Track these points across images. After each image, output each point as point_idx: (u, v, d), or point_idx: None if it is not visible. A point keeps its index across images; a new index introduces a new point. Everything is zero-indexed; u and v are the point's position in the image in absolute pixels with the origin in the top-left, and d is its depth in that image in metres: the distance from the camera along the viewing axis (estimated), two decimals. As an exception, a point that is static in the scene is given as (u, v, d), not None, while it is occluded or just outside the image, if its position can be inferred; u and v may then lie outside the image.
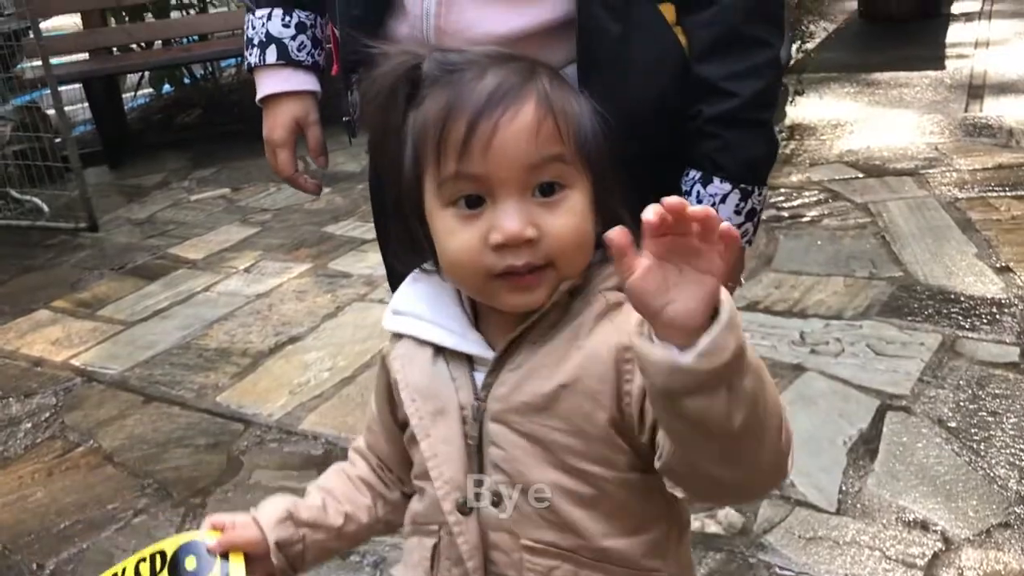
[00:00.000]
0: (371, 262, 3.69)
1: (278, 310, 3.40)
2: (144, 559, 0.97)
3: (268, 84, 1.42)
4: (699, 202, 1.20)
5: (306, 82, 1.42)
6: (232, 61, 6.66)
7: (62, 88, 4.84)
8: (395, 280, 1.52)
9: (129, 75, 6.11)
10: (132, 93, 6.30)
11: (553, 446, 0.88)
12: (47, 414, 2.88)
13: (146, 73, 6.20)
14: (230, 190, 4.85)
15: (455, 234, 0.86)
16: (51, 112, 5.12)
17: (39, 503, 2.45)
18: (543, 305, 0.88)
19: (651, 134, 1.20)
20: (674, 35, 1.20)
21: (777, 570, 1.94)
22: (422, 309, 0.97)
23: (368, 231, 4.01)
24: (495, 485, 0.91)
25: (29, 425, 2.83)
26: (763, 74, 1.20)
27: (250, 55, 1.42)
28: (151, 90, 6.49)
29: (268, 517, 1.00)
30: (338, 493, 1.05)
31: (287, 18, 1.42)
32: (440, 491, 0.92)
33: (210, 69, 6.44)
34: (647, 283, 0.68)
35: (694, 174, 1.21)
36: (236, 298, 3.53)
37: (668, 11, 1.21)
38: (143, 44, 5.83)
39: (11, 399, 2.99)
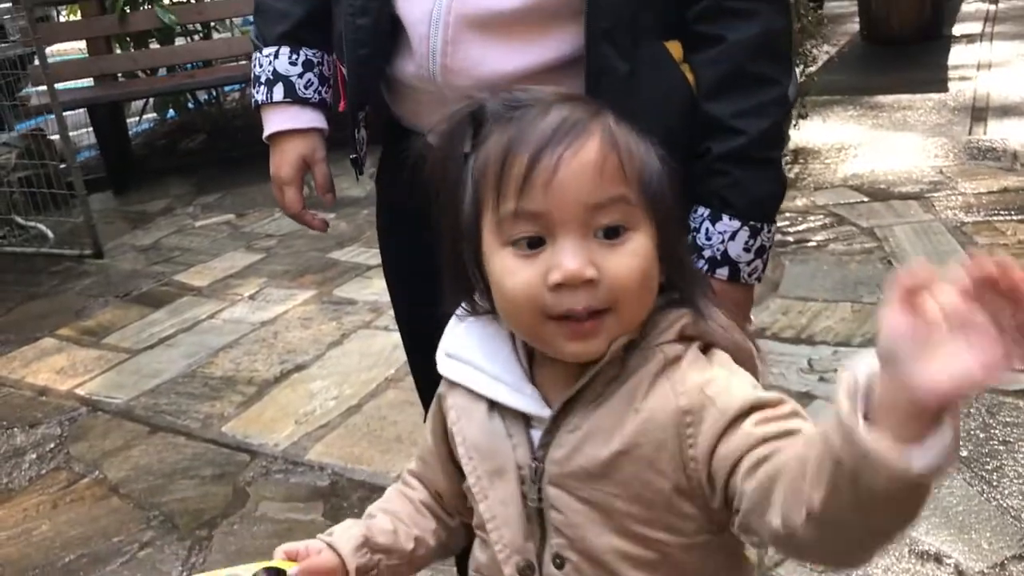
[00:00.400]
0: (376, 288, 3.68)
1: (283, 338, 3.39)
2: None
3: (275, 121, 1.42)
4: (708, 239, 1.20)
5: (313, 119, 1.42)
6: (236, 87, 6.69)
7: (66, 113, 4.86)
8: (398, 308, 1.52)
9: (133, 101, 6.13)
10: (137, 118, 6.32)
11: (613, 512, 0.86)
12: (52, 444, 2.87)
13: (150, 99, 6.22)
14: (235, 216, 4.85)
15: (513, 274, 0.83)
16: (55, 138, 5.15)
17: (44, 536, 2.43)
18: (602, 355, 0.84)
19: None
20: (681, 73, 1.20)
21: (790, 605, 1.92)
22: (476, 356, 0.94)
23: (373, 257, 4.00)
24: (557, 548, 0.89)
25: (34, 456, 2.82)
26: (771, 112, 1.20)
27: (257, 92, 1.42)
28: (155, 115, 6.50)
29: (345, 544, 0.98)
30: (404, 516, 1.04)
31: (294, 56, 1.42)
32: (501, 555, 0.91)
33: (214, 94, 6.46)
34: (917, 331, 0.58)
35: (703, 211, 1.20)
36: (241, 325, 3.53)
37: (675, 48, 1.21)
38: (147, 71, 5.86)
39: (16, 429, 2.98)
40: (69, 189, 4.60)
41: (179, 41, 6.04)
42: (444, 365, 0.97)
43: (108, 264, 4.40)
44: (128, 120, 6.14)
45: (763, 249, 1.22)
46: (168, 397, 3.07)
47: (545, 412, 0.88)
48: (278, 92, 1.40)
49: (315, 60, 1.43)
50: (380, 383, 2.95)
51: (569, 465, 0.86)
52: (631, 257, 0.83)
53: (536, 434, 0.89)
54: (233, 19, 6.53)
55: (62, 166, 4.98)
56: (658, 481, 0.84)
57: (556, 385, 0.89)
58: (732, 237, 1.19)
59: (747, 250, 1.20)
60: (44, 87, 4.73)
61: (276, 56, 1.42)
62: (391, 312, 1.58)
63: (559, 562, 0.89)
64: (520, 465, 0.89)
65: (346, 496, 2.45)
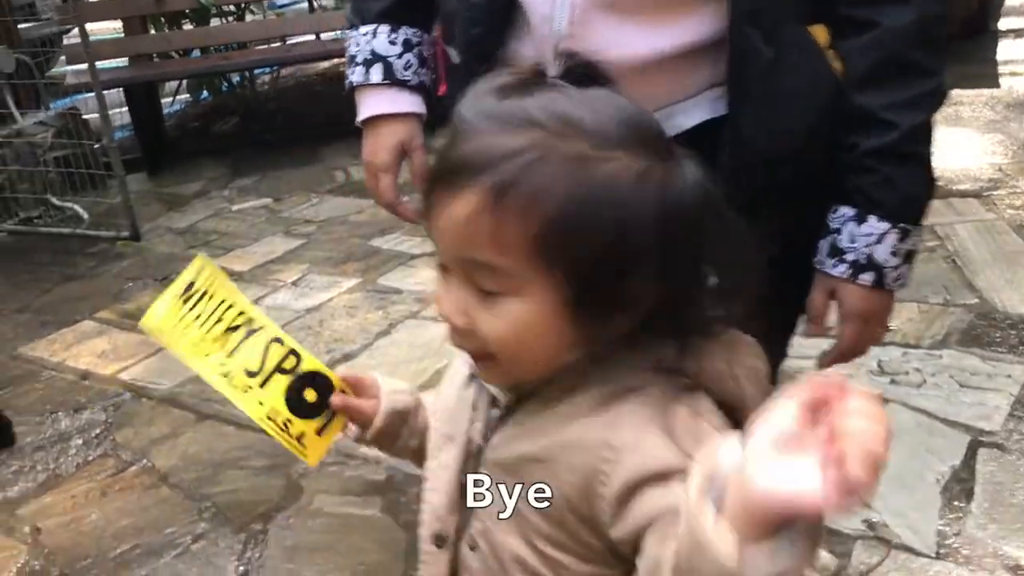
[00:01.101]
0: (421, 278, 3.61)
1: (329, 326, 3.32)
2: (280, 340, 0.97)
3: (372, 105, 1.34)
4: (852, 243, 1.12)
5: (412, 103, 1.35)
6: (268, 70, 6.62)
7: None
8: None
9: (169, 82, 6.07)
10: (170, 99, 6.25)
11: (522, 518, 0.83)
12: (98, 430, 2.81)
13: (183, 80, 6.16)
14: (272, 200, 4.78)
15: (438, 287, 0.83)
16: (89, 118, 5.09)
17: (94, 525, 2.37)
18: (514, 383, 0.86)
19: (799, 166, 1.12)
20: (826, 60, 1.11)
21: (877, 618, 1.84)
22: None
23: (415, 246, 3.93)
24: (474, 530, 0.89)
25: (80, 442, 2.76)
26: (925, 105, 1.12)
27: (352, 73, 1.34)
28: (187, 97, 6.44)
29: (388, 402, 1.02)
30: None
31: (393, 35, 1.34)
32: (424, 516, 0.93)
33: (247, 76, 6.40)
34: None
35: (845, 211, 1.12)
36: (285, 312, 3.46)
37: (820, 33, 1.12)
38: (180, 52, 5.79)
39: (60, 413, 2.92)
40: (106, 169, 4.54)
41: (214, 22, 5.97)
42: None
43: (145, 246, 4.34)
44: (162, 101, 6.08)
45: (911, 254, 1.14)
46: (214, 384, 3.00)
47: (503, 398, 0.89)
48: (376, 73, 1.32)
49: (415, 40, 1.35)
50: (432, 375, 2.87)
51: (497, 453, 0.87)
52: (502, 320, 0.78)
53: (495, 415, 0.90)
54: (265, 1, 6.47)
55: (96, 145, 4.93)
56: (563, 501, 0.80)
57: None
58: (879, 240, 1.11)
59: (894, 254, 1.12)
60: (82, 65, 4.67)
61: (374, 35, 1.34)
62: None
63: (472, 544, 0.89)
64: (471, 439, 0.90)
65: (403, 490, 2.38)
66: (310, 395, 0.97)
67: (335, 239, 4.16)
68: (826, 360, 1.20)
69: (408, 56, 1.34)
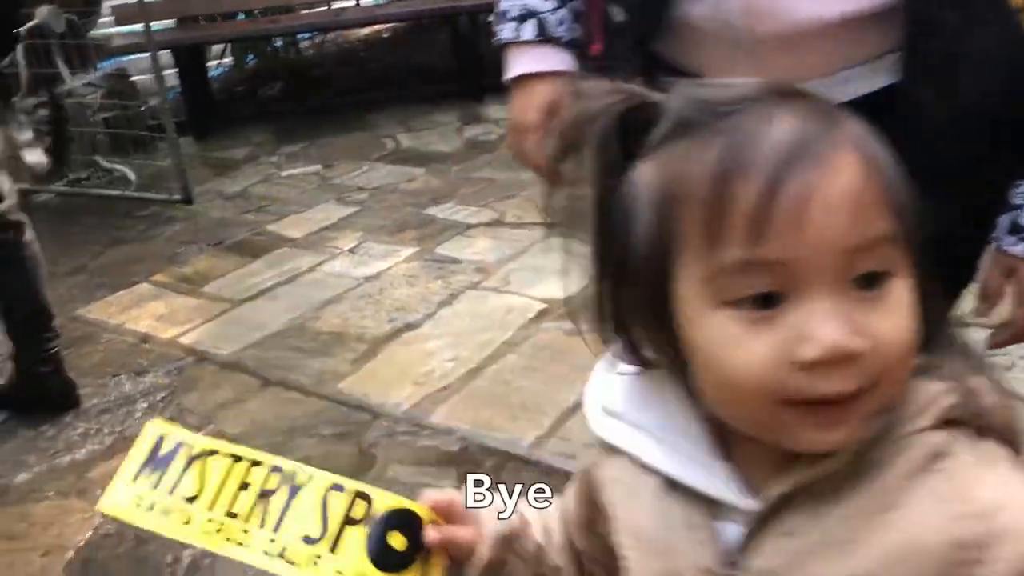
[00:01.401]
0: (479, 248, 3.56)
1: (389, 294, 3.28)
2: (339, 487, 0.76)
3: (523, 62, 1.28)
4: None
5: (565, 61, 1.28)
6: (310, 34, 6.56)
7: (139, 56, 4.75)
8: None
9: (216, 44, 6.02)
10: (216, 62, 6.20)
11: None
12: (162, 394, 2.79)
13: (228, 44, 6.10)
14: (322, 167, 4.73)
15: (739, 346, 0.59)
16: (137, 79, 5.05)
17: (166, 490, 2.34)
18: (850, 445, 0.61)
19: (984, 140, 1.05)
20: (1019, 22, 1.04)
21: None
22: (647, 419, 0.71)
23: (471, 215, 3.88)
24: None
25: (145, 405, 2.74)
26: None
27: (502, 29, 1.28)
28: (231, 60, 6.39)
29: (492, 531, 0.80)
30: (556, 538, 0.85)
31: None
32: None
33: (292, 40, 6.34)
34: None
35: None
36: (344, 280, 3.42)
37: None
38: (224, 15, 5.74)
39: (123, 376, 2.90)
40: (157, 131, 4.51)
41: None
42: (603, 425, 0.74)
43: (196, 210, 4.30)
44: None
45: None
46: (276, 351, 2.97)
47: (748, 503, 0.66)
48: (529, 30, 1.26)
49: None
50: (498, 347, 2.82)
51: None
52: (898, 315, 0.60)
53: (729, 529, 0.67)
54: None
55: (143, 108, 4.90)
56: None
57: (756, 466, 0.67)
58: None
59: None
60: (132, 26, 4.63)
61: None
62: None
63: None
64: (705, 569, 0.67)
65: (479, 462, 2.34)
66: (397, 541, 0.75)
67: (389, 207, 4.11)
68: (996, 341, 1.14)
69: (562, 11, 1.28)
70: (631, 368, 0.72)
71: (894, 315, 0.60)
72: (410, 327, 3.04)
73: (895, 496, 0.62)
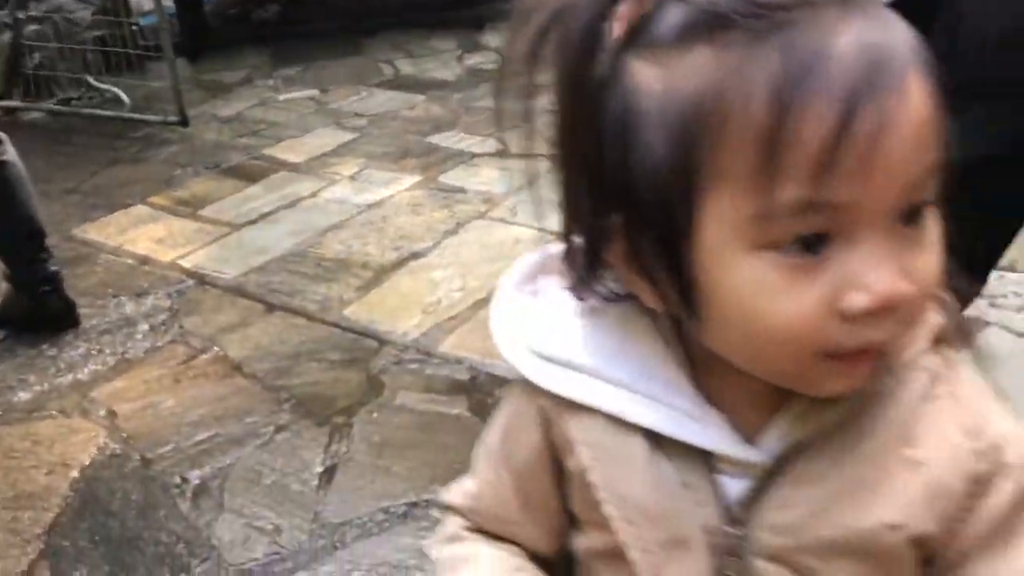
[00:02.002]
0: (484, 178, 3.49)
1: (393, 222, 3.22)
2: None
3: None
4: None
5: None
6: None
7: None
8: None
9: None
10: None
11: None
12: (164, 316, 2.74)
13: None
14: (319, 91, 4.62)
15: (779, 294, 0.51)
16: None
17: (171, 411, 2.32)
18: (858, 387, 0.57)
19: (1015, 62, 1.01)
20: None
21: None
22: (618, 368, 0.62)
23: (475, 144, 3.81)
24: None
25: (146, 327, 2.69)
26: None
27: None
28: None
29: None
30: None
31: None
32: None
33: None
34: None
35: None
36: (346, 206, 3.35)
37: None
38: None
39: (123, 297, 2.85)
40: (152, 51, 4.38)
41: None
42: (548, 375, 0.63)
43: (191, 133, 4.20)
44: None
45: None
46: (279, 275, 2.92)
47: (751, 453, 0.60)
48: None
49: None
50: (506, 276, 2.78)
51: (805, 535, 0.59)
52: (934, 253, 0.54)
53: (729, 483, 0.61)
54: None
55: (135, 27, 4.76)
56: (915, 553, 0.60)
57: (744, 410, 0.60)
58: None
59: None
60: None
61: None
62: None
63: None
64: (712, 530, 0.61)
65: (489, 392, 2.31)
66: None
67: (389, 134, 4.03)
68: None
69: None
70: (576, 304, 0.63)
71: (931, 253, 0.54)
72: (416, 256, 2.99)
73: (907, 429, 0.59)
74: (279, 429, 2.23)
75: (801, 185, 0.48)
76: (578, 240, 0.60)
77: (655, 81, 0.51)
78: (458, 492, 0.75)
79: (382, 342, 2.55)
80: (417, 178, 3.56)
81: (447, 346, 2.50)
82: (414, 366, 2.44)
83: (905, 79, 0.49)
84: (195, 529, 1.94)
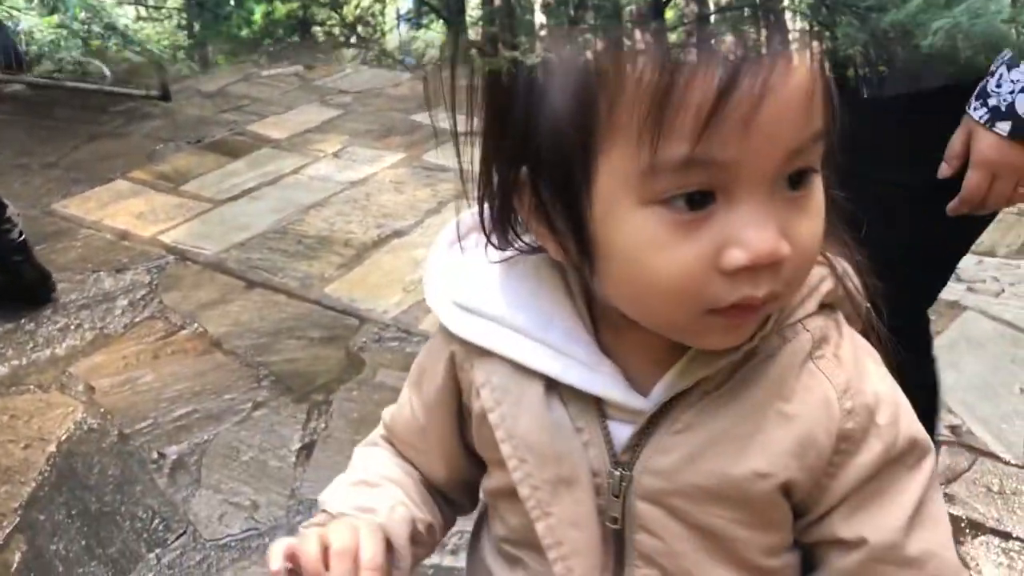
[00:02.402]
0: (468, 158, 3.48)
1: (376, 200, 3.21)
2: None
3: None
4: (998, 86, 1.08)
5: None
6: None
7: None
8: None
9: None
10: (191, -44, 5.96)
11: (733, 541, 0.65)
12: (143, 292, 2.73)
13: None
14: (303, 68, 4.60)
15: (664, 249, 0.55)
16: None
17: (149, 387, 2.31)
18: (743, 344, 0.61)
19: None
20: None
21: (967, 524, 1.81)
22: (522, 315, 0.66)
23: (459, 123, 3.78)
24: None
25: (125, 302, 2.68)
26: None
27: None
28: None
29: (400, 535, 0.72)
30: (416, 498, 0.77)
31: None
32: None
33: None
34: None
35: (1006, 52, 1.06)
36: (329, 183, 3.34)
37: None
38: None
39: (102, 272, 2.83)
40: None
41: None
42: (462, 322, 0.68)
43: (173, 107, 4.17)
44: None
45: None
46: (260, 252, 2.91)
47: (638, 401, 0.64)
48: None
49: None
50: (488, 256, 2.79)
51: (679, 479, 0.63)
52: (817, 217, 0.58)
53: (618, 429, 0.65)
54: None
55: (117, 0, 4.71)
56: (786, 502, 0.65)
57: (637, 361, 0.64)
58: None
59: None
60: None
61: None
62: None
63: None
64: (595, 471, 0.65)
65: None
66: None
67: (374, 111, 4.01)
68: (951, 207, 1.17)
69: None
70: (489, 257, 0.67)
71: (814, 218, 0.58)
72: (398, 234, 2.99)
73: (785, 387, 0.62)
74: (257, 406, 2.23)
75: (685, 142, 0.52)
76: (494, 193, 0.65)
77: (564, 46, 0.56)
78: (388, 410, 0.82)
79: (363, 320, 2.54)
80: (400, 156, 3.55)
81: (428, 324, 2.50)
82: (394, 344, 2.44)
83: (786, 51, 0.53)
84: (172, 504, 1.94)
